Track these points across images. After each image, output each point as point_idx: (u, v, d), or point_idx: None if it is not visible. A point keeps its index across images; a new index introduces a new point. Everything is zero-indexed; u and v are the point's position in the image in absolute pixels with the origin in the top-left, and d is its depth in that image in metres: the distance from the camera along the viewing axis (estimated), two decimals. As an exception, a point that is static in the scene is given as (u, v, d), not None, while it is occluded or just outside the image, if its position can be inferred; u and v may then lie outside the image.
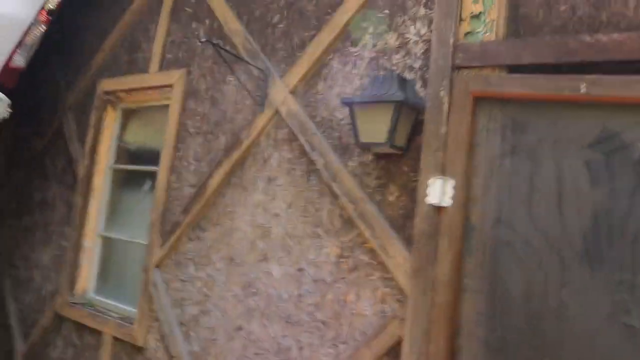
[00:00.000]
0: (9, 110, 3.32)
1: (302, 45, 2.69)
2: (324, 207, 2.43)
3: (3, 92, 3.24)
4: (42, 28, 3.40)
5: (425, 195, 2.00)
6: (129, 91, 3.68)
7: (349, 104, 2.22)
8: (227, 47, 2.80)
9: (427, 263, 1.98)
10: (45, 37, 3.74)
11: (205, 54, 3.17)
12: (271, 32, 2.86)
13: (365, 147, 2.24)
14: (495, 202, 1.88)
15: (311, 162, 2.50)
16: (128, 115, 3.86)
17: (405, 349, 1.98)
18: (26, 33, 3.29)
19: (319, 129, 2.51)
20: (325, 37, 2.57)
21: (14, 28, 3.19)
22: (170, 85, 3.32)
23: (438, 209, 1.98)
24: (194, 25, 3.32)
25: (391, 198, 2.21)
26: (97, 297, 3.61)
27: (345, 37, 2.52)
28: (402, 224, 2.16)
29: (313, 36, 2.64)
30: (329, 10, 2.60)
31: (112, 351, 3.22)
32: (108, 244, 3.72)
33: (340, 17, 2.53)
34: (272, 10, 2.89)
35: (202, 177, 3.00)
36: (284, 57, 2.76)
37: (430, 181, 1.99)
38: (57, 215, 3.97)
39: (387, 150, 2.18)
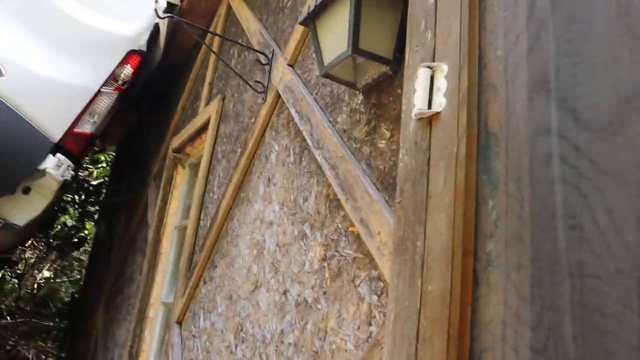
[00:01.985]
0: (72, 173, 3.27)
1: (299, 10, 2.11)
2: (312, 192, 1.64)
3: (68, 158, 3.20)
4: (113, 97, 3.40)
5: (412, 107, 1.11)
6: (190, 142, 3.41)
7: (306, 23, 1.51)
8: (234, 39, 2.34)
9: (415, 226, 1.03)
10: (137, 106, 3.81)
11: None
12: (281, 17, 2.34)
13: (329, 76, 1.45)
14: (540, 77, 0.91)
15: (303, 139, 1.77)
16: (196, 171, 3.56)
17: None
18: (93, 100, 3.31)
19: (312, 92, 1.80)
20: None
21: (78, 95, 3.23)
22: (209, 119, 2.95)
23: (429, 122, 1.06)
24: (231, 51, 2.99)
25: (381, 144, 1.35)
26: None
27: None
28: (393, 180, 1.27)
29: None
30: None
31: None
32: (169, 309, 3.25)
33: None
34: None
35: (217, 203, 2.43)
36: (289, 34, 2.18)
37: (415, 76, 1.11)
38: (135, 287, 3.69)
39: (349, 63, 1.37)
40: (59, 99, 3.16)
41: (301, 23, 1.54)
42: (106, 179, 6.22)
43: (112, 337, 3.86)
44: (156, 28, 3.82)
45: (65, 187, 3.34)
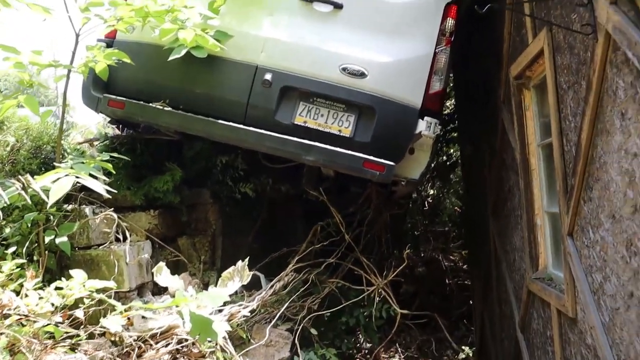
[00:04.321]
0: (440, 127, 3.98)
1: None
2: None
3: (432, 116, 3.92)
4: (447, 51, 3.92)
5: None
6: (528, 68, 3.69)
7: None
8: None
9: None
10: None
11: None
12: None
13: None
14: None
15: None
16: (543, 90, 3.83)
17: None
18: (434, 61, 3.91)
19: (642, 33, 1.94)
20: None
21: (422, 64, 3.86)
22: (542, 50, 3.19)
23: None
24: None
25: None
26: (554, 272, 3.65)
27: None
28: None
29: None
30: None
31: (557, 322, 3.22)
32: (554, 218, 3.73)
33: None
34: None
35: (577, 132, 2.73)
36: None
37: None
38: (517, 200, 4.29)
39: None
40: (410, 73, 3.83)
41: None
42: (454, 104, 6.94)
43: (509, 242, 4.60)
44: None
45: (438, 138, 4.11)
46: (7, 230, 3.54)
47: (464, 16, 4.51)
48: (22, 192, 3.04)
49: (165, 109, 3.81)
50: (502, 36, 4.17)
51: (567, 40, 2.80)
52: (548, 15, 3.07)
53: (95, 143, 5.09)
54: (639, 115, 2.06)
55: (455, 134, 6.69)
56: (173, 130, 4.11)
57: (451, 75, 7.00)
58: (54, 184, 2.99)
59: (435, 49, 3.87)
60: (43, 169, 4.29)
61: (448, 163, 6.73)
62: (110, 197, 3.37)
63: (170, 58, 3.51)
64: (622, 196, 2.28)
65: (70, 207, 3.91)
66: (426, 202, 8.46)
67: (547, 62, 3.10)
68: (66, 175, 3.03)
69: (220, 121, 3.67)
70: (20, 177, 3.16)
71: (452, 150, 7.24)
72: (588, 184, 2.67)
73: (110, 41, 3.99)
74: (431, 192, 8.49)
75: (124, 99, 3.85)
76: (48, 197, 2.93)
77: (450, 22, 3.90)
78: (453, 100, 7.07)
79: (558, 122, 3.05)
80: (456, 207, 8.76)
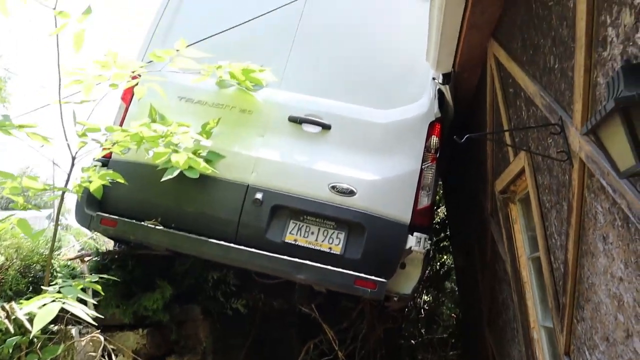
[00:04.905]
0: (429, 241, 4.02)
1: (570, 75, 2.33)
2: (650, 258, 1.87)
3: (421, 230, 3.96)
4: (433, 167, 4.06)
5: None
6: (511, 184, 3.81)
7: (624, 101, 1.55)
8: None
9: None
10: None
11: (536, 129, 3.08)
12: (554, 78, 2.59)
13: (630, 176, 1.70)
14: None
15: (621, 207, 2.01)
16: (529, 204, 3.92)
17: None
18: (421, 177, 4.03)
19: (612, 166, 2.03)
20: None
21: (409, 180, 3.97)
22: (523, 169, 3.31)
23: None
24: (517, 103, 3.31)
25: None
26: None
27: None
28: None
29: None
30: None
31: None
32: (550, 333, 3.65)
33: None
34: (545, 53, 2.64)
35: (564, 251, 2.76)
36: (569, 97, 2.42)
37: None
38: (511, 313, 4.22)
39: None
40: (398, 190, 3.94)
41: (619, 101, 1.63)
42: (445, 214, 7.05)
43: (507, 355, 4.46)
44: (440, 92, 4.36)
45: (428, 253, 4.13)
46: (-12, 355, 3.42)
47: (448, 132, 4.73)
48: (6, 321, 2.97)
49: (157, 227, 3.85)
50: (486, 152, 4.33)
51: (546, 162, 2.92)
52: (526, 138, 3.22)
53: (86, 259, 5.07)
54: (619, 240, 2.10)
55: (447, 243, 6.74)
56: (164, 248, 4.12)
57: (440, 182, 7.20)
58: (40, 310, 2.94)
59: (422, 165, 4.01)
60: (31, 288, 4.24)
61: (442, 272, 6.71)
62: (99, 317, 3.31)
63: (163, 179, 3.61)
64: (613, 319, 2.26)
65: (56, 327, 3.81)
66: (422, 310, 8.29)
67: (529, 180, 3.20)
68: (52, 301, 3.00)
69: (211, 240, 3.70)
70: (4, 305, 3.11)
71: (445, 258, 7.25)
72: (579, 304, 2.65)
73: (105, 160, 4.12)
74: (426, 298, 8.35)
75: (117, 217, 3.90)
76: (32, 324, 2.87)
77: (434, 139, 4.08)
78: (443, 207, 7.19)
79: (544, 239, 3.09)
80: (453, 314, 8.58)
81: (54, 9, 3.30)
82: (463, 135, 2.53)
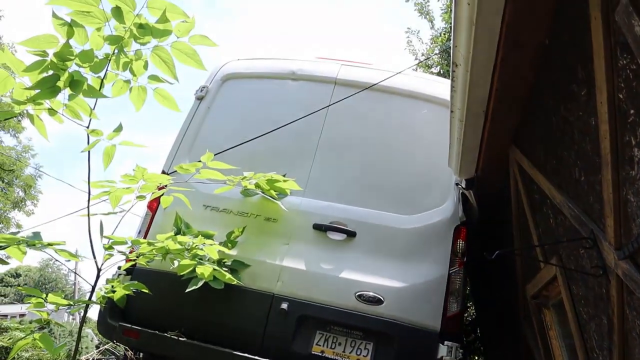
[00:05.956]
0: (462, 350, 3.84)
1: (597, 190, 2.32)
2: None
3: (452, 339, 3.79)
4: (460, 272, 3.96)
5: None
6: (544, 289, 3.69)
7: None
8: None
9: None
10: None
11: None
12: (582, 190, 2.58)
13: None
14: None
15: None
16: (561, 310, 3.77)
17: None
18: (449, 283, 3.92)
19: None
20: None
21: (437, 286, 3.87)
22: (555, 277, 3.22)
23: None
24: (544, 209, 3.28)
25: None
26: None
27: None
28: None
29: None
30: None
31: None
32: None
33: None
34: (570, 165, 2.65)
35: (608, 369, 2.61)
36: (599, 210, 2.40)
37: None
38: None
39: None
40: (426, 297, 3.82)
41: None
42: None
43: None
44: (464, 196, 4.36)
45: (460, 360, 3.94)
46: None
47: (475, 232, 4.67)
48: None
49: (181, 339, 3.76)
50: (514, 256, 4.25)
51: (580, 275, 2.83)
52: (556, 247, 3.16)
53: (106, 367, 4.94)
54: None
55: (479, 344, 6.45)
56: (187, 361, 4.00)
57: (469, 288, 7.01)
58: None
59: (449, 270, 3.92)
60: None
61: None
62: None
63: (188, 290, 3.58)
64: None
65: None
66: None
67: (563, 291, 3.10)
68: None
69: (236, 352, 3.59)
70: None
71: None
72: None
73: (130, 269, 4.12)
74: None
75: (139, 328, 3.83)
76: None
77: (461, 243, 4.03)
78: (473, 308, 6.96)
79: (584, 352, 2.93)
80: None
81: (87, 127, 3.46)
82: (492, 249, 2.49)
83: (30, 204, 25.88)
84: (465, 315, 6.97)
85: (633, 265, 2.09)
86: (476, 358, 6.79)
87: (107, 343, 5.19)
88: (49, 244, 3.08)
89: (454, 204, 4.09)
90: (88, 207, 3.59)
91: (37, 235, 3.12)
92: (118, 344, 5.77)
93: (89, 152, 3.63)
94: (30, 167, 25.50)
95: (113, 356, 5.13)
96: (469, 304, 6.83)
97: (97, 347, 5.35)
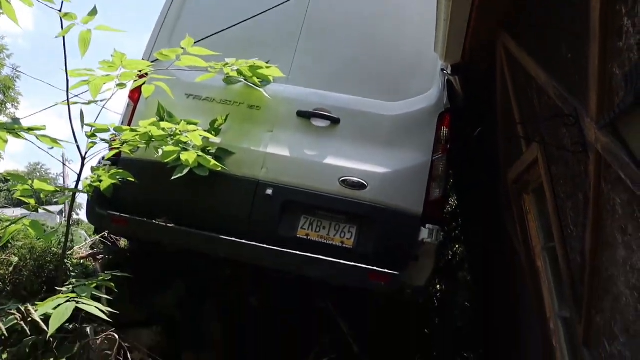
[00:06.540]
0: (442, 233, 3.98)
1: (584, 65, 2.29)
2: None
3: (433, 222, 3.91)
4: (444, 159, 4.00)
5: None
6: (524, 174, 3.76)
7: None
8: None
9: None
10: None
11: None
12: (566, 69, 2.54)
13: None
14: None
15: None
16: (543, 194, 3.87)
17: None
18: (432, 169, 3.97)
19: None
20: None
21: (420, 172, 3.92)
22: (536, 159, 3.27)
23: None
24: (528, 93, 3.26)
25: None
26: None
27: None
28: None
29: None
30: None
31: None
32: (567, 324, 3.62)
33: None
34: (558, 42, 2.59)
35: (581, 241, 2.72)
36: (584, 88, 2.38)
37: None
38: (528, 304, 4.18)
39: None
40: (409, 182, 3.89)
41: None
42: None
43: (524, 345, 4.44)
44: (450, 83, 4.30)
45: (441, 245, 4.10)
46: (5, 356, 3.45)
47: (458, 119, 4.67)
48: (22, 323, 2.99)
49: (168, 225, 3.84)
50: (497, 141, 4.28)
51: (561, 152, 2.87)
52: (539, 129, 3.17)
53: (99, 257, 5.09)
54: (638, 232, 2.06)
55: (459, 232, 6.70)
56: (176, 246, 4.12)
57: (451, 172, 7.13)
58: (55, 311, 2.95)
59: (433, 157, 3.96)
60: (45, 287, 4.26)
61: (454, 262, 6.69)
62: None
63: (173, 178, 3.60)
64: (634, 311, 2.23)
65: (71, 326, 3.84)
66: (434, 299, 8.26)
67: (543, 171, 3.16)
68: (67, 301, 3.01)
69: (222, 237, 3.69)
70: (20, 307, 3.13)
71: (456, 247, 7.21)
72: (598, 294, 2.62)
73: (115, 159, 4.11)
74: (439, 287, 8.32)
75: (127, 216, 3.90)
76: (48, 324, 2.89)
77: (445, 130, 4.03)
78: (455, 197, 7.15)
79: (560, 230, 3.05)
80: (466, 302, 8.52)
81: (60, 11, 3.28)
82: (475, 127, 2.49)
83: (11, 106, 25.33)
84: (447, 206, 7.19)
85: (612, 135, 2.11)
86: (457, 246, 7.09)
87: (98, 252, 5.30)
88: (30, 129, 3.03)
89: (439, 91, 4.04)
90: (67, 94, 3.50)
91: (16, 120, 3.06)
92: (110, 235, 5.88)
93: (63, 38, 3.47)
94: (7, 68, 24.64)
95: (104, 246, 5.27)
96: (451, 195, 7.01)
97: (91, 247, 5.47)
